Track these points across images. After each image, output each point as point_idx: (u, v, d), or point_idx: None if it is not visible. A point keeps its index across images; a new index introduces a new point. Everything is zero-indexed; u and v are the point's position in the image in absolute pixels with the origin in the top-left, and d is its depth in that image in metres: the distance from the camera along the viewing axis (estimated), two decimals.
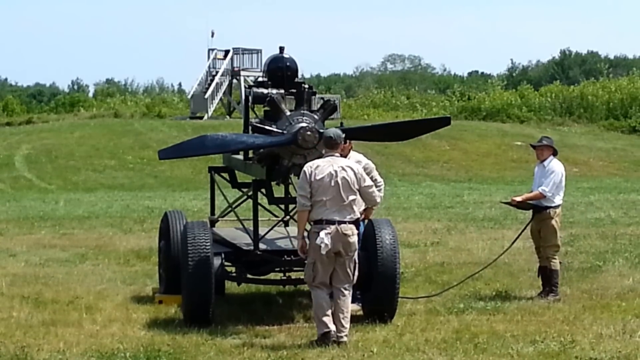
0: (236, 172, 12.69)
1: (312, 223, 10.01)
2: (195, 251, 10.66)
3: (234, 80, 51.19)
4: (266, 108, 11.18)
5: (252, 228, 11.40)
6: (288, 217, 12.39)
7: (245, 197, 12.52)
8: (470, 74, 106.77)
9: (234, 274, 11.61)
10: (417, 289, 13.22)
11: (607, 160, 42.13)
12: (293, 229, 11.81)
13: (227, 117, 51.22)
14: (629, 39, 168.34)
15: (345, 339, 9.88)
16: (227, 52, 51.10)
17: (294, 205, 11.35)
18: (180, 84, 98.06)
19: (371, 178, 10.84)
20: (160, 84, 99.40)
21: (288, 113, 10.83)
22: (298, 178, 10.31)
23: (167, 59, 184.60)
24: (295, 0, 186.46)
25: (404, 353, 9.56)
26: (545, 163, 12.58)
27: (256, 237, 11.28)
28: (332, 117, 11.29)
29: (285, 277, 12.00)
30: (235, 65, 51.04)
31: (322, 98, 12.21)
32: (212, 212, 13.24)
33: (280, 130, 10.74)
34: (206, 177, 14.93)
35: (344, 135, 10.36)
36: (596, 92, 55.27)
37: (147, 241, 18.17)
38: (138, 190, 32.52)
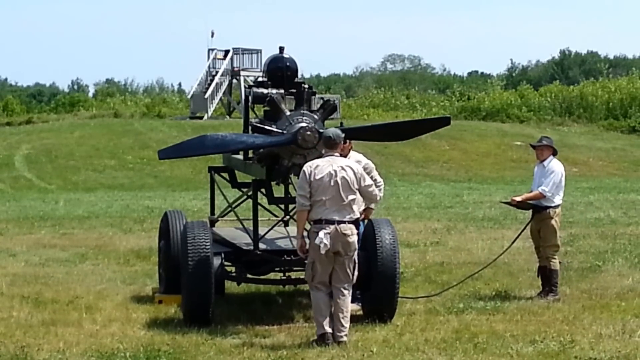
0: (236, 172, 12.69)
1: (311, 223, 10.03)
2: (195, 251, 10.66)
3: (234, 80, 51.21)
4: (266, 108, 11.19)
5: (252, 228, 11.41)
6: (288, 217, 12.40)
7: (245, 197, 12.53)
8: (470, 74, 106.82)
9: (234, 274, 11.62)
10: (417, 288, 13.22)
11: (607, 160, 42.15)
12: (293, 229, 11.81)
13: (227, 117, 51.23)
14: (628, 39, 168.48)
15: (344, 338, 9.89)
16: (227, 52, 51.11)
17: (293, 205, 11.36)
18: (180, 84, 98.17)
19: (371, 178, 10.84)
20: (160, 84, 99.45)
21: (288, 113, 10.84)
22: (298, 178, 10.32)
23: (167, 59, 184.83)
24: (295, 0, 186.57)
25: (404, 353, 9.57)
26: (545, 163, 12.58)
27: (256, 237, 11.28)
28: (332, 117, 11.29)
29: (285, 277, 12.00)
30: (235, 65, 51.05)
31: (322, 98, 12.22)
32: (212, 212, 13.25)
33: (280, 130, 10.75)
34: (206, 177, 14.94)
35: (343, 135, 10.36)
36: (596, 92, 55.27)
37: (147, 241, 18.18)
38: (138, 190, 32.53)
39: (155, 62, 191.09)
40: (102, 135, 43.35)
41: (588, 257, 15.93)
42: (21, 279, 14.19)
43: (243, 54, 51.49)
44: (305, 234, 10.17)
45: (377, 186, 10.90)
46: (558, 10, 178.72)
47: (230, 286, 12.47)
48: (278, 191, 11.82)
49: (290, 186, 11.80)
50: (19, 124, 51.77)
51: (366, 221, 11.36)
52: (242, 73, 50.39)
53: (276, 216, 12.90)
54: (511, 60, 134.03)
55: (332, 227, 9.86)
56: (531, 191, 12.66)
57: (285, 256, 11.33)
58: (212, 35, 51.49)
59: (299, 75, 11.52)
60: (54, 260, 16.31)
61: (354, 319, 10.61)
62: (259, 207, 11.47)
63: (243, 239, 11.68)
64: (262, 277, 11.94)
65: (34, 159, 38.94)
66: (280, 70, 11.42)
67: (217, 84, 50.22)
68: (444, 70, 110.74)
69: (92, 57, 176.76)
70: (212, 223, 12.62)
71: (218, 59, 51.15)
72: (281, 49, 11.58)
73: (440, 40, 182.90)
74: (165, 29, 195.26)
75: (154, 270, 14.01)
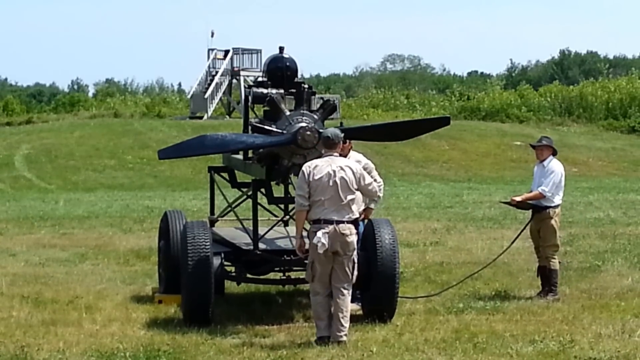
0: (236, 172, 12.70)
1: (311, 222, 10.03)
2: (195, 251, 10.67)
3: (234, 80, 51.21)
4: (266, 108, 11.19)
5: (251, 228, 11.41)
6: (288, 216, 12.41)
7: (244, 197, 12.54)
8: (469, 74, 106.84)
9: (234, 274, 11.62)
10: (417, 288, 13.23)
11: (606, 160, 42.16)
12: (292, 229, 11.81)
13: (227, 117, 51.23)
14: (628, 39, 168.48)
15: (344, 338, 9.89)
16: (227, 52, 51.10)
17: (293, 205, 11.36)
18: (180, 84, 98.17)
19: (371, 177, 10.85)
20: (160, 84, 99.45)
21: (288, 113, 10.85)
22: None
23: (167, 59, 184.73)
24: (295, 0, 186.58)
25: (403, 353, 9.57)
26: (545, 163, 12.59)
27: (256, 237, 11.29)
28: (331, 117, 11.30)
29: (284, 277, 12.01)
30: (235, 65, 51.04)
31: (322, 98, 12.23)
32: (212, 212, 13.25)
33: (279, 130, 10.75)
34: (206, 177, 14.95)
35: (342, 135, 10.36)
36: (595, 92, 55.28)
37: (146, 241, 18.18)
38: (138, 190, 32.54)
39: (155, 62, 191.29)
40: (102, 135, 43.35)
41: (587, 257, 15.93)
42: (21, 279, 14.19)
43: (243, 54, 51.49)
44: (305, 233, 10.18)
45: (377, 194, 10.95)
46: (558, 10, 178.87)
47: (230, 286, 12.47)
48: (278, 191, 11.83)
49: (290, 186, 11.81)
50: (19, 124, 51.77)
51: (366, 221, 11.37)
52: (242, 73, 50.39)
53: (276, 216, 12.91)
54: (511, 60, 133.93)
55: (331, 227, 9.87)
56: (531, 191, 12.67)
57: (285, 256, 11.34)
58: (212, 35, 51.58)
59: (299, 75, 11.53)
60: (54, 260, 16.32)
61: (354, 318, 10.62)
62: (259, 207, 11.48)
63: (243, 239, 11.68)
64: (261, 277, 11.95)
65: (34, 159, 38.94)
66: (280, 70, 11.43)
67: (217, 84, 50.23)
68: (444, 70, 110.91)
69: (92, 57, 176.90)
70: (212, 223, 12.63)
71: (218, 59, 51.15)
72: (281, 49, 11.59)
73: (440, 40, 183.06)
74: (165, 29, 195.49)
75: (154, 270, 14.01)
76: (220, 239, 11.90)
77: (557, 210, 12.58)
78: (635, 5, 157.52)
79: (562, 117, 53.83)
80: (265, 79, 11.54)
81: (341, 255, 9.93)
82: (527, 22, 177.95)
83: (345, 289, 10.00)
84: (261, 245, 11.35)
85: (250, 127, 11.23)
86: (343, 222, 9.92)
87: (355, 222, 10.12)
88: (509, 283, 13.51)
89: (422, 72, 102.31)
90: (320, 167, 9.98)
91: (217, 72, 50.45)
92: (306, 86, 11.21)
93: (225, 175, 12.88)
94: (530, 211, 12.74)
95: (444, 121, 11.78)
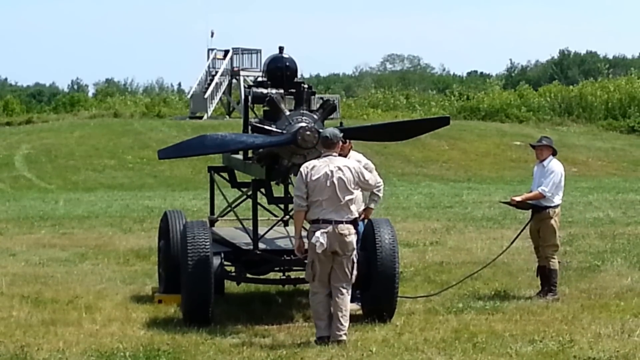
0: (236, 171, 12.71)
1: (310, 222, 10.04)
2: (195, 251, 10.68)
3: (234, 80, 51.19)
4: (266, 108, 11.20)
5: (251, 228, 11.42)
6: (287, 216, 12.41)
7: (244, 196, 12.54)
8: (469, 73, 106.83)
9: (234, 274, 11.63)
10: (416, 288, 13.23)
11: (606, 160, 42.16)
12: (292, 229, 11.81)
13: (227, 117, 51.22)
14: (627, 39, 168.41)
15: (344, 337, 9.90)
16: (226, 52, 51.08)
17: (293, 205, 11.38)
18: (180, 84, 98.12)
19: None
20: (160, 84, 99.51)
21: (287, 113, 10.85)
22: None
23: (167, 59, 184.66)
24: (295, 0, 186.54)
25: (403, 352, 9.58)
26: (545, 163, 12.59)
27: (255, 237, 11.30)
28: (331, 117, 11.30)
29: (284, 277, 12.02)
30: (234, 65, 51.02)
31: (322, 98, 12.22)
32: (212, 212, 13.25)
33: (279, 130, 10.76)
34: (206, 176, 14.95)
35: (341, 135, 10.36)
36: (595, 92, 55.26)
37: (146, 241, 18.19)
38: (138, 190, 32.55)
39: (155, 62, 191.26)
40: (102, 135, 43.35)
41: (587, 256, 15.94)
42: (21, 279, 14.20)
43: (243, 54, 51.47)
44: (304, 233, 10.19)
45: (376, 186, 10.94)
46: (557, 10, 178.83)
47: (230, 286, 12.48)
48: (278, 191, 11.84)
49: (290, 186, 11.81)
50: (19, 123, 51.75)
51: (366, 221, 11.38)
52: (241, 73, 50.37)
53: (276, 216, 12.91)
54: (510, 60, 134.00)
55: (330, 227, 9.87)
56: (531, 191, 12.67)
57: (284, 256, 11.34)
58: (212, 35, 51.55)
59: (299, 75, 11.53)
60: (54, 260, 16.32)
61: (354, 318, 10.62)
62: (259, 207, 11.49)
63: (243, 239, 11.69)
64: (261, 276, 11.96)
65: (34, 158, 38.94)
66: (280, 70, 11.44)
67: (216, 83, 50.21)
68: (444, 70, 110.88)
69: (92, 57, 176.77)
70: (212, 223, 12.63)
71: (218, 58, 51.13)
72: (281, 49, 11.60)
73: (440, 40, 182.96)
74: (165, 29, 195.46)
75: (154, 270, 14.02)
76: (220, 238, 11.91)
77: (557, 210, 12.59)
78: (635, 5, 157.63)
79: (562, 117, 53.82)
80: (265, 79, 11.54)
81: (340, 255, 9.94)
82: (527, 22, 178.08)
83: (344, 288, 10.01)
84: (261, 245, 11.36)
85: (250, 127, 11.23)
86: (342, 222, 9.93)
87: (354, 222, 10.12)
88: (509, 283, 13.52)
89: (421, 72, 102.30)
90: (318, 167, 9.99)
91: (217, 72, 50.43)
92: (306, 86, 11.21)
93: (225, 175, 12.88)
94: (530, 211, 12.75)
95: (443, 121, 11.79)
